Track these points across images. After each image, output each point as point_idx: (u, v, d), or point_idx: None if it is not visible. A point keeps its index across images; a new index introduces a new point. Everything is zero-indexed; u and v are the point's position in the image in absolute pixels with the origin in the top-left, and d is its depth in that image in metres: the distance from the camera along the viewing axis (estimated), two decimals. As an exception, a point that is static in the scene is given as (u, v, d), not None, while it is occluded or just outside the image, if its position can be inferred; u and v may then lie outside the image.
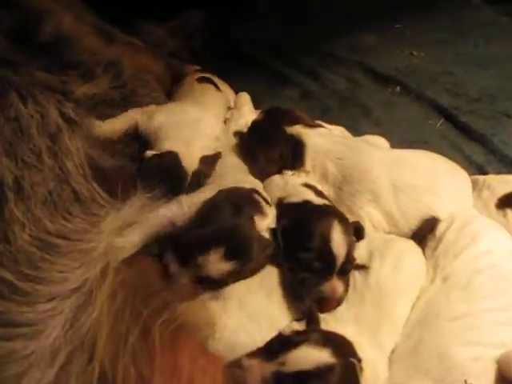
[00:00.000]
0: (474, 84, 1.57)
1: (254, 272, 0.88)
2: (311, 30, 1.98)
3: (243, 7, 2.10)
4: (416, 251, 0.93)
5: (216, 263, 0.81)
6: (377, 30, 1.94)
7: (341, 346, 0.73)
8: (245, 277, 0.87)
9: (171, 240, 0.85)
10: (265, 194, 1.01)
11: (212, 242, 0.82)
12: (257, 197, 0.94)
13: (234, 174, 1.09)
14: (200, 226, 0.85)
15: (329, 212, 0.91)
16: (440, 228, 0.94)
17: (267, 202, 0.97)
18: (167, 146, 1.07)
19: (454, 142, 1.36)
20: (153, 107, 1.20)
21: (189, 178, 1.06)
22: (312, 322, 0.80)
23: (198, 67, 1.56)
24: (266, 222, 0.91)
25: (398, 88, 1.60)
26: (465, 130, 1.39)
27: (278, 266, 0.90)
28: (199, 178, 1.08)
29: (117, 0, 1.74)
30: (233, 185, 1.00)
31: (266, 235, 0.89)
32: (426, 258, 0.92)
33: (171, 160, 1.05)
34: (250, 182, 1.05)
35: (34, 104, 0.83)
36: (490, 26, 1.89)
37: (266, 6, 2.14)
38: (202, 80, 1.40)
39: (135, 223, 0.79)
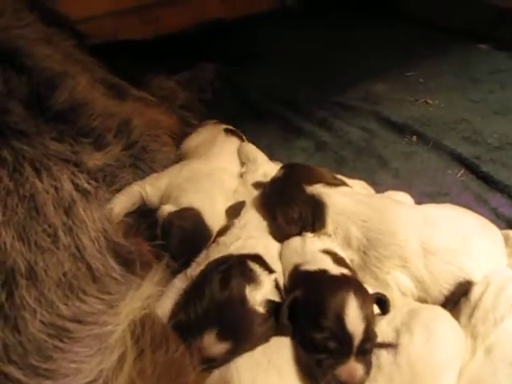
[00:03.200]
0: (492, 131, 1.53)
1: (256, 345, 0.82)
2: (322, 80, 1.99)
3: (254, 59, 2.13)
4: (446, 316, 0.86)
5: (212, 346, 0.78)
6: (388, 79, 1.95)
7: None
8: (247, 350, 0.81)
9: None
10: (268, 259, 0.95)
11: (202, 326, 0.79)
12: (251, 265, 0.89)
13: (247, 234, 1.03)
14: (190, 306, 0.82)
15: (344, 284, 0.84)
16: (475, 292, 0.88)
17: (268, 269, 0.91)
18: (186, 199, 1.03)
19: (478, 193, 1.31)
20: (155, 175, 1.18)
21: (213, 237, 1.02)
22: None
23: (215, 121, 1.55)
24: (260, 293, 0.85)
25: (415, 137, 1.57)
26: (487, 181, 1.34)
27: (281, 335, 0.84)
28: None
29: (128, 54, 1.78)
30: (241, 247, 0.96)
31: (261, 309, 0.84)
32: (461, 325, 0.85)
33: (194, 220, 0.99)
34: (260, 243, 1.00)
35: (49, 178, 0.81)
36: (503, 72, 1.88)
37: (277, 57, 2.17)
38: (228, 132, 1.40)
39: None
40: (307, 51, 2.25)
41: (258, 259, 0.93)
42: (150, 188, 1.10)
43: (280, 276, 0.94)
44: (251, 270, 0.88)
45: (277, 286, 0.91)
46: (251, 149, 1.34)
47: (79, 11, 1.91)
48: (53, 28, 1.38)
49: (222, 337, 0.78)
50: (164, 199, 1.09)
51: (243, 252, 0.94)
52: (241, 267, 0.88)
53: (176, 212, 1.01)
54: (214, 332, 0.78)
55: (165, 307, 0.84)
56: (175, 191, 1.08)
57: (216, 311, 0.80)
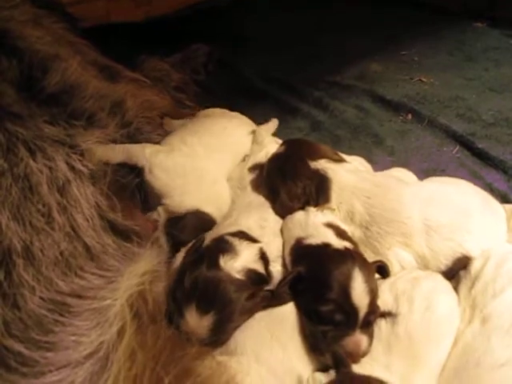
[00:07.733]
0: (487, 108, 1.54)
1: (245, 315, 0.83)
2: (317, 61, 1.98)
3: (248, 40, 2.11)
4: (446, 288, 0.88)
5: (195, 322, 0.78)
6: (383, 58, 1.94)
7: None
8: (239, 324, 0.82)
9: None
10: (255, 232, 0.95)
11: (183, 305, 0.79)
12: (227, 238, 0.90)
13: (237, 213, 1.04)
14: (171, 294, 0.83)
15: (348, 258, 0.84)
16: (475, 265, 0.88)
17: (251, 240, 0.92)
18: (193, 202, 1.04)
19: (473, 169, 1.32)
20: (160, 154, 1.14)
21: None
22: (343, 365, 0.73)
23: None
24: (238, 262, 0.86)
25: (410, 115, 1.57)
26: (483, 157, 1.36)
27: (274, 305, 0.85)
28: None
29: (120, 36, 1.77)
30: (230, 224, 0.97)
31: (238, 276, 0.84)
32: (461, 296, 0.86)
33: (208, 223, 1.02)
34: (251, 217, 1.00)
35: (44, 158, 0.80)
36: (498, 50, 1.89)
37: (270, 37, 2.15)
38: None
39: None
40: (302, 32, 2.23)
41: (240, 234, 0.93)
42: (149, 165, 1.08)
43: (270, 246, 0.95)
44: (227, 242, 0.89)
45: (263, 256, 0.92)
46: (260, 131, 1.32)
47: (70, -7, 1.87)
48: (42, 10, 1.35)
49: (201, 310, 0.78)
50: (168, 190, 1.07)
51: (229, 230, 0.94)
52: (214, 242, 0.89)
53: (192, 213, 1.03)
54: (193, 307, 0.78)
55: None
56: (178, 188, 1.06)
57: (192, 288, 0.80)
